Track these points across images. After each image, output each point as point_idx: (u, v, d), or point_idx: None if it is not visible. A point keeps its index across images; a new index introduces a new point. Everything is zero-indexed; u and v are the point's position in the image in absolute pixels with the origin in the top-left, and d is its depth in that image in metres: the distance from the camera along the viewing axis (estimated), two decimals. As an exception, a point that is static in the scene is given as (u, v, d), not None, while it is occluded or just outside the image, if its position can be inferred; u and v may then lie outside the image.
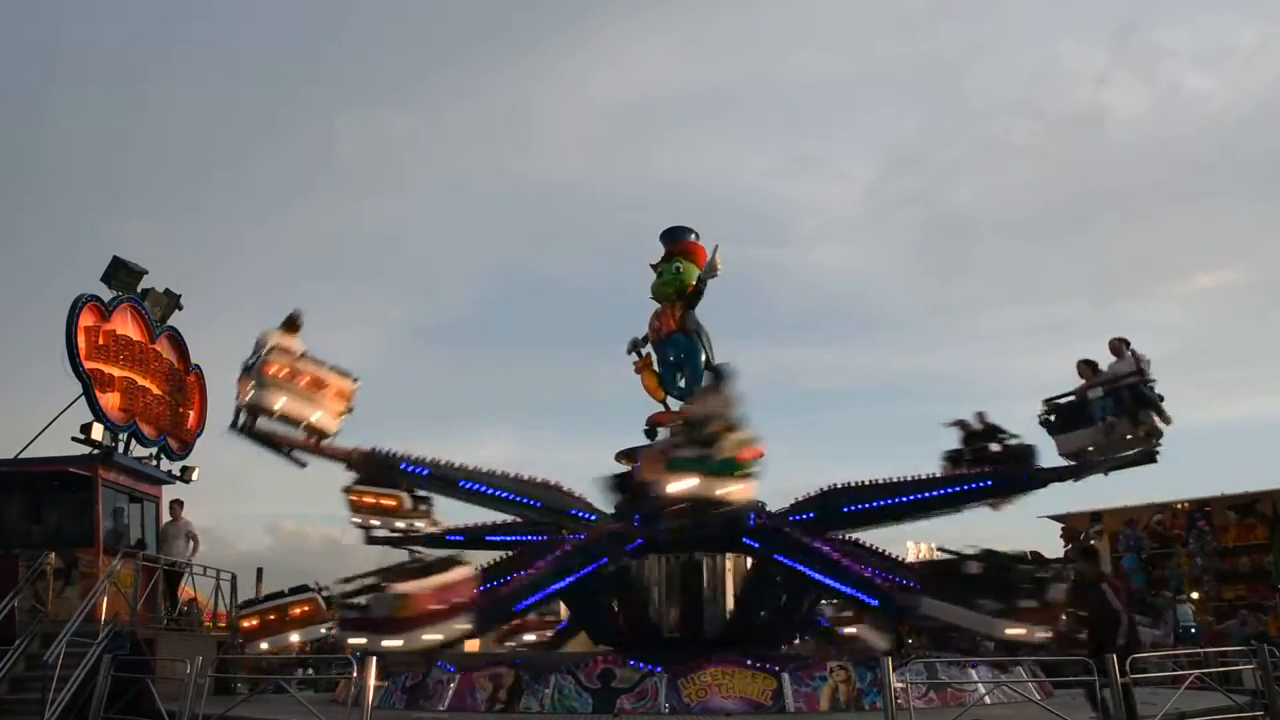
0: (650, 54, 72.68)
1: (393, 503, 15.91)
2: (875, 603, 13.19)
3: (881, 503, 14.66)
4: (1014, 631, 11.79)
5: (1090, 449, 13.32)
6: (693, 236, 17.37)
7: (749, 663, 12.16)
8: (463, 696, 12.49)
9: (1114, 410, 12.93)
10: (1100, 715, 9.68)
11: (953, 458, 15.36)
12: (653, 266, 17.25)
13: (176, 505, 16.38)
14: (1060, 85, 67.65)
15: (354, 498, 15.73)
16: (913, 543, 36.77)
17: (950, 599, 12.25)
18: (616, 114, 76.56)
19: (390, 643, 11.60)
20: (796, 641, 17.35)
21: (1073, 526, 24.34)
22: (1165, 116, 62.69)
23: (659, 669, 12.01)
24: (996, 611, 11.83)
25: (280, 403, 13.13)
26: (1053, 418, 13.74)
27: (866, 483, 14.76)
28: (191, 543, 16.18)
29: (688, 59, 71.87)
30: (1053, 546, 23.99)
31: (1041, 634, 11.86)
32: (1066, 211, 67.72)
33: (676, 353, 16.70)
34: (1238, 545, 22.33)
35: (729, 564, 14.94)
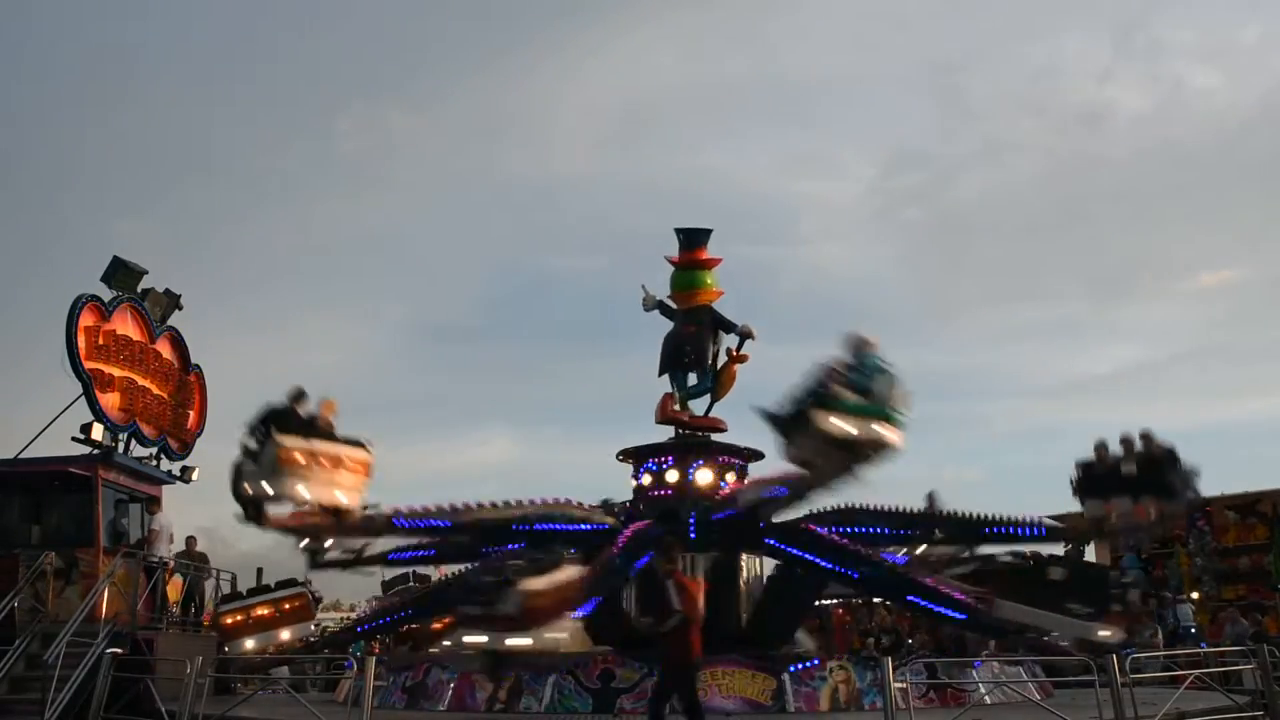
0: (653, 53, 72.80)
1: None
2: (963, 616, 13.38)
3: (899, 531, 14.74)
4: (1104, 633, 12.16)
5: (1114, 519, 13.53)
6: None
7: (749, 663, 12.17)
8: (462, 696, 12.50)
9: (1146, 489, 13.01)
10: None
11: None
12: (699, 265, 17.01)
13: (155, 504, 16.24)
14: (1063, 83, 67.71)
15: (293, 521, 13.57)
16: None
17: (1034, 604, 12.57)
18: (619, 112, 76.70)
19: (516, 641, 11.17)
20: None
21: (1074, 527, 24.34)
22: (1168, 114, 62.81)
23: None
24: (1089, 615, 12.28)
25: (303, 492, 11.97)
26: (1082, 480, 13.80)
27: (886, 508, 14.80)
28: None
29: (691, 58, 72.01)
30: (1053, 546, 23.96)
31: (1120, 635, 12.35)
32: (1069, 209, 67.86)
33: None
34: (1238, 545, 22.31)
35: (748, 563, 15.04)
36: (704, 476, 15.44)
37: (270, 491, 11.95)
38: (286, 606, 14.07)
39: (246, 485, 12.18)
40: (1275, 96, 58.39)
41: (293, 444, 11.87)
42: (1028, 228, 69.96)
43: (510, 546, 15.28)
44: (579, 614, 12.43)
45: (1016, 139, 67.93)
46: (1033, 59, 69.67)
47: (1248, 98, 59.99)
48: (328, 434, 12.42)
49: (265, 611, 13.94)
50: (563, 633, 11.44)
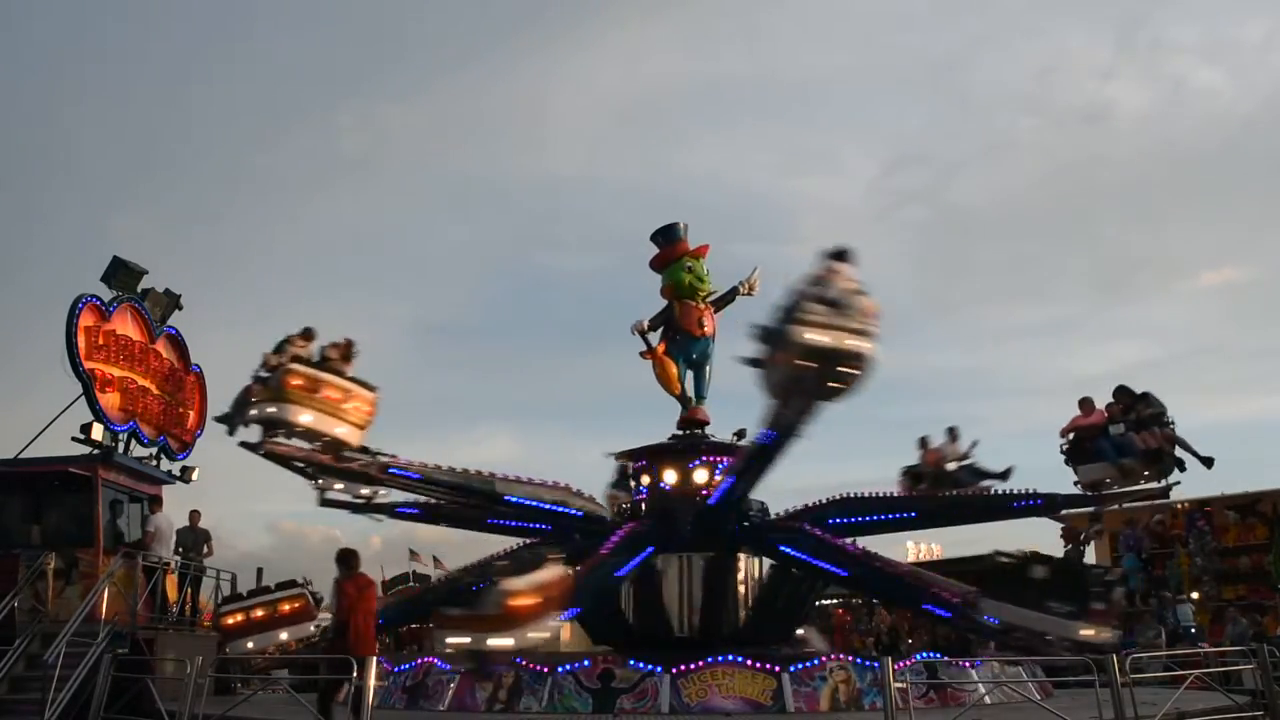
0: (653, 51, 72.75)
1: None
2: (949, 614, 13.34)
3: (896, 515, 14.86)
4: (1086, 632, 12.12)
5: (1108, 481, 13.60)
6: (682, 231, 17.28)
7: (749, 663, 12.17)
8: (462, 696, 12.50)
9: (1129, 451, 13.21)
10: None
11: (912, 474, 15.70)
12: (661, 262, 17.05)
13: (156, 504, 16.18)
14: (1065, 80, 67.66)
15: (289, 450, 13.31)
16: (913, 543, 36.83)
17: (1018, 603, 12.50)
18: (619, 111, 76.64)
19: (498, 641, 11.21)
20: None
21: (1073, 526, 24.30)
22: (1171, 112, 62.73)
23: (659, 669, 12.02)
24: (1070, 614, 12.21)
25: (304, 418, 12.47)
26: (1072, 448, 13.95)
27: (880, 494, 14.98)
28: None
29: (690, 55, 71.94)
30: (1052, 546, 23.97)
31: (1107, 634, 12.23)
32: (1070, 208, 67.83)
33: (702, 354, 16.63)
34: (1238, 545, 22.34)
35: (744, 564, 15.05)
36: (670, 476, 15.49)
37: (280, 416, 12.39)
38: (285, 608, 14.28)
39: (253, 409, 12.58)
40: (1278, 95, 58.41)
41: (299, 369, 12.42)
42: (1029, 226, 70.11)
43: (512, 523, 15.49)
44: (565, 616, 12.45)
45: (1018, 138, 67.99)
46: (1034, 57, 69.65)
47: (1251, 96, 60.01)
48: (336, 370, 12.92)
49: (262, 613, 14.22)
50: (545, 633, 11.40)
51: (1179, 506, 23.17)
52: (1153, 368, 59.13)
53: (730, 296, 16.89)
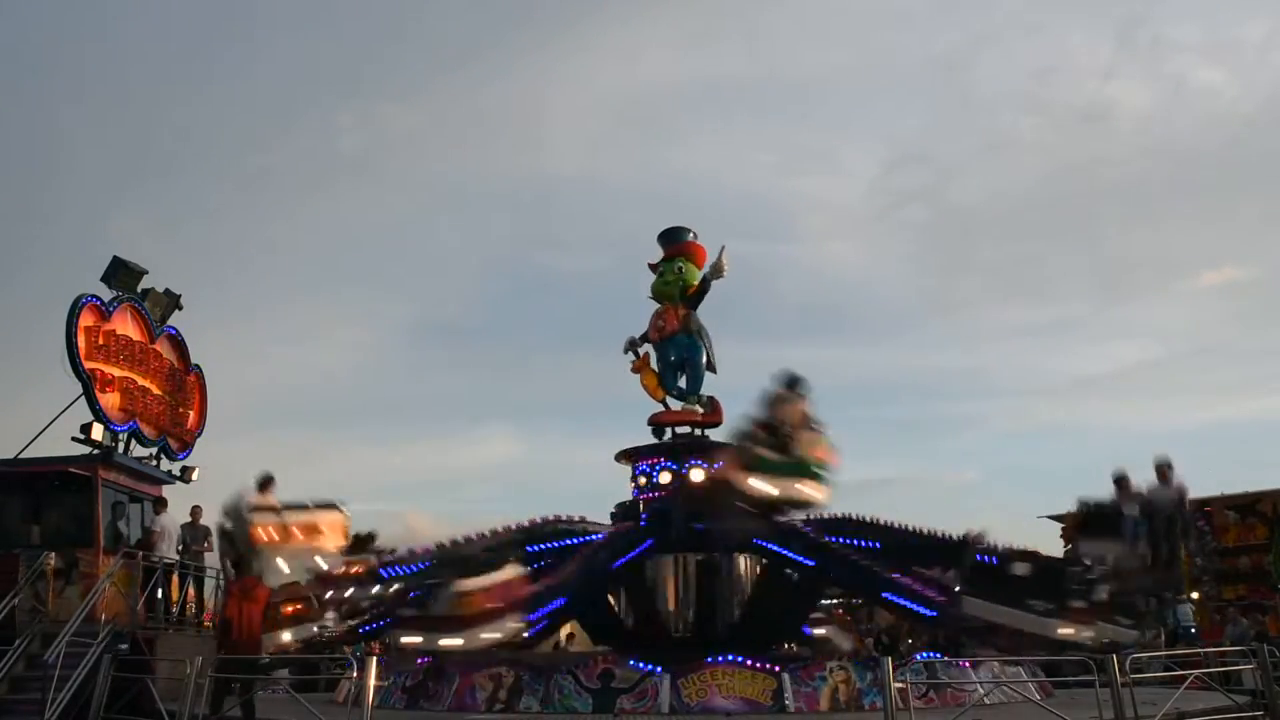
0: (654, 50, 72.72)
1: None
2: (933, 613, 13.15)
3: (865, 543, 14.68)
4: (1065, 631, 11.91)
5: (1110, 561, 12.79)
6: (691, 236, 17.38)
7: (749, 663, 12.17)
8: (463, 696, 12.49)
9: (1146, 538, 12.50)
10: None
11: None
12: (652, 266, 17.24)
13: (161, 504, 16.12)
14: (1065, 80, 67.66)
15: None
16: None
17: (998, 600, 12.28)
18: (620, 110, 76.61)
19: (449, 641, 11.54)
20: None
21: (1073, 527, 24.38)
22: (1172, 111, 62.71)
23: (659, 669, 12.03)
24: (1049, 612, 11.95)
25: (280, 565, 12.26)
26: (1083, 520, 13.59)
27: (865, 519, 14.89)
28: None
29: (691, 54, 71.86)
30: (1053, 546, 23.99)
31: (1087, 633, 11.96)
32: (1071, 207, 67.80)
33: (679, 353, 16.64)
34: (1238, 545, 22.39)
35: (743, 565, 15.03)
36: (696, 475, 15.49)
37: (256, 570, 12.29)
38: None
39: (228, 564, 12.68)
40: (1279, 95, 58.50)
41: (263, 519, 12.19)
42: (1029, 226, 70.18)
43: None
44: (532, 616, 12.48)
45: (1018, 137, 68.03)
46: (1034, 56, 69.63)
47: (1251, 96, 60.01)
48: (296, 503, 12.62)
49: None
50: (498, 633, 11.64)
51: (1179, 506, 23.23)
52: (1153, 367, 59.13)
53: (703, 287, 16.81)
